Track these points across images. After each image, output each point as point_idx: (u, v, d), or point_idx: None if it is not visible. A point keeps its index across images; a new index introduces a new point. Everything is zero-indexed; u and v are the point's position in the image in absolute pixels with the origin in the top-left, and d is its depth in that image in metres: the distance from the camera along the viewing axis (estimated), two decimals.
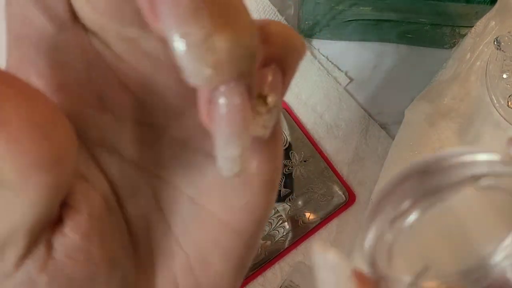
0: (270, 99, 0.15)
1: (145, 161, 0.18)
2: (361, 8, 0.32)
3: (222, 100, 0.13)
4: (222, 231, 0.18)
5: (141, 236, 0.18)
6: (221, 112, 0.13)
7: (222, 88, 0.13)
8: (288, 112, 0.38)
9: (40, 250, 0.15)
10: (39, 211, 0.14)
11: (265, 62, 0.15)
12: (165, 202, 0.19)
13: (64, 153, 0.13)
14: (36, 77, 0.15)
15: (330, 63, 0.39)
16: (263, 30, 0.15)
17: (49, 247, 0.15)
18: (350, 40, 0.39)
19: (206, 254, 0.18)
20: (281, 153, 0.18)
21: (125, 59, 0.16)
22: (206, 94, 0.13)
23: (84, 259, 0.16)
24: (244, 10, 0.13)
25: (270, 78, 0.15)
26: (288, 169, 0.37)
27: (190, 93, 0.16)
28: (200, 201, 0.18)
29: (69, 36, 0.15)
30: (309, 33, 0.38)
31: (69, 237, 0.15)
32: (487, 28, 0.38)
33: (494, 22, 0.38)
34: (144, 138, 0.18)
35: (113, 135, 0.17)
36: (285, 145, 0.37)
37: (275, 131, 0.17)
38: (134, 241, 0.18)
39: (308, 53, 0.38)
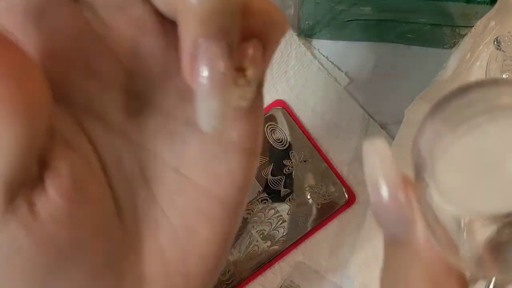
0: (249, 72, 0.15)
1: (130, 130, 0.18)
2: (361, 8, 0.32)
3: (203, 52, 0.14)
4: (206, 200, 0.18)
5: (126, 205, 0.18)
6: (203, 64, 0.14)
7: (204, 42, 0.14)
8: (288, 112, 0.38)
9: (22, 209, 0.15)
10: (14, 160, 0.14)
11: (246, 37, 0.15)
12: (150, 172, 0.19)
13: (38, 102, 0.14)
14: (23, 40, 0.15)
15: (330, 63, 0.39)
16: (245, 3, 0.15)
17: (32, 208, 0.15)
18: (350, 40, 0.39)
19: (191, 223, 0.19)
20: (261, 124, 0.19)
21: (112, 26, 0.16)
22: (189, 49, 0.14)
23: (68, 222, 0.15)
24: None
25: (250, 52, 0.15)
26: (288, 169, 0.37)
27: (175, 62, 0.16)
28: (184, 170, 0.19)
29: (59, 3, 0.15)
30: (309, 33, 0.38)
31: (50, 197, 0.15)
32: (487, 28, 0.38)
33: (494, 22, 0.38)
34: (130, 106, 0.18)
35: (99, 103, 0.17)
36: (285, 145, 0.37)
37: (256, 104, 0.18)
38: (119, 210, 0.18)
39: (308, 53, 0.38)
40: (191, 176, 0.19)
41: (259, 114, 0.19)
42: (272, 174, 0.37)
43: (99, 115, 0.18)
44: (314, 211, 0.37)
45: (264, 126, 0.37)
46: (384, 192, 0.17)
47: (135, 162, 0.19)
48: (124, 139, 0.18)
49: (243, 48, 0.15)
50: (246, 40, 0.15)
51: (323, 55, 0.39)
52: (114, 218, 0.18)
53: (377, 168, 0.18)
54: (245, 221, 0.37)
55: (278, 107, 0.38)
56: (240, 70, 0.15)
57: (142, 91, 0.18)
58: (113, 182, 0.18)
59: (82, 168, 0.16)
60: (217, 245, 0.19)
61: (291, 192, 0.37)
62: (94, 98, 0.17)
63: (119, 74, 0.17)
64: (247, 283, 0.36)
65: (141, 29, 0.16)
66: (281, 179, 0.37)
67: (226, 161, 0.18)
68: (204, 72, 0.14)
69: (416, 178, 0.17)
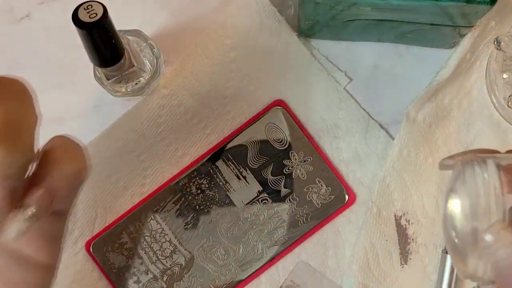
0: (28, 211, 0.20)
1: None
2: (361, 8, 0.32)
3: None
4: None
5: None
6: None
7: None
8: (288, 112, 0.38)
9: None
10: None
11: (37, 181, 0.20)
12: None
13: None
14: None
15: (330, 63, 0.39)
16: (45, 155, 0.21)
17: None
18: (350, 40, 0.39)
19: None
20: (58, 246, 0.24)
21: None
22: None
23: None
24: (27, 134, 0.19)
25: (33, 194, 0.20)
26: (288, 169, 0.37)
27: None
28: None
29: None
30: (309, 33, 0.38)
31: None
32: (487, 28, 0.38)
33: (494, 22, 0.38)
34: None
35: None
36: (285, 145, 0.37)
37: (54, 230, 0.24)
38: None
39: (308, 53, 0.38)
40: None
41: (57, 239, 0.24)
42: (272, 174, 0.37)
43: None
44: (314, 211, 0.37)
45: (264, 126, 0.37)
46: None
47: None
48: None
49: (30, 191, 0.20)
50: (36, 184, 0.20)
51: (323, 55, 0.39)
52: None
53: None
54: (245, 221, 0.37)
55: (278, 107, 0.38)
56: (21, 206, 0.20)
57: None
58: None
59: None
60: None
61: (291, 192, 0.37)
62: None
63: None
64: (247, 283, 0.36)
65: None
66: (281, 179, 0.37)
67: (20, 272, 0.22)
68: None
69: None
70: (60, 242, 0.24)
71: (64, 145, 0.22)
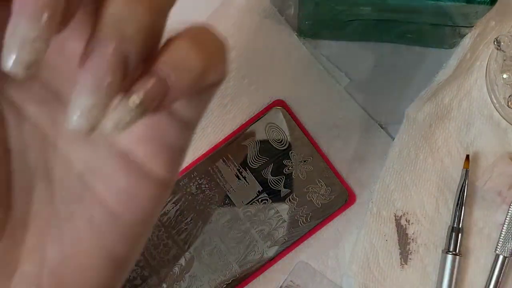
0: (132, 99, 0.15)
1: (43, 124, 0.19)
2: (361, 8, 0.32)
3: (95, 50, 0.14)
4: (99, 211, 0.18)
5: (19, 195, 0.19)
6: (91, 59, 0.14)
7: (106, 41, 0.14)
8: (288, 112, 0.38)
9: None
10: None
11: (155, 67, 0.15)
12: (54, 171, 0.19)
13: None
14: None
15: (330, 63, 0.39)
16: (171, 41, 0.16)
17: None
18: (350, 40, 0.39)
19: (78, 231, 0.18)
20: (177, 162, 0.19)
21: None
22: (90, 44, 0.14)
23: None
24: None
25: (144, 84, 0.15)
26: (288, 169, 0.37)
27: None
28: (87, 178, 0.19)
29: None
30: (309, 33, 0.38)
31: None
32: (487, 28, 0.38)
33: (494, 22, 0.38)
34: (46, 101, 0.18)
35: (16, 89, 0.18)
36: (285, 145, 0.37)
37: (174, 139, 0.19)
38: (11, 199, 0.18)
39: (308, 53, 0.38)
40: (91, 185, 0.19)
41: (176, 150, 0.19)
42: (272, 174, 0.37)
43: (13, 101, 0.18)
44: (314, 211, 0.37)
45: (264, 126, 0.37)
46: None
47: (41, 156, 0.19)
48: (35, 131, 0.19)
49: (141, 79, 0.15)
50: (152, 71, 0.15)
51: (323, 55, 0.39)
52: (2, 201, 0.18)
53: None
54: (245, 221, 0.37)
55: (278, 107, 0.38)
56: (128, 93, 0.15)
57: (62, 90, 0.18)
58: (12, 164, 0.18)
59: None
60: (101, 261, 0.19)
61: (291, 192, 0.37)
62: (11, 84, 0.18)
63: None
64: (247, 283, 0.36)
65: (69, 30, 0.16)
66: (281, 179, 0.37)
67: (127, 178, 0.18)
68: (87, 67, 0.14)
69: None
70: (181, 157, 0.19)
71: (197, 34, 0.17)
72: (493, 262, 0.35)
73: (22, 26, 0.13)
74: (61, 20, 0.14)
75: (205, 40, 0.17)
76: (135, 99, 0.15)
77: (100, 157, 0.18)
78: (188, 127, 0.19)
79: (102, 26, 0.14)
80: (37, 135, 0.19)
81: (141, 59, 0.15)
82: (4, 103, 0.18)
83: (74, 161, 0.19)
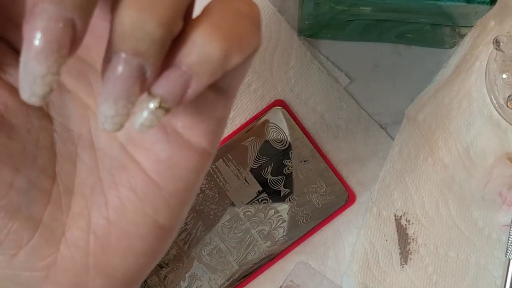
0: (152, 103, 0.15)
1: (82, 93, 0.19)
2: (361, 8, 0.32)
3: (112, 63, 0.15)
4: (142, 179, 0.19)
5: (64, 159, 0.19)
6: (107, 73, 0.15)
7: (121, 55, 0.14)
8: (288, 112, 0.38)
9: None
10: None
11: (174, 61, 0.15)
12: (98, 140, 0.20)
13: None
14: None
15: (330, 63, 0.39)
16: (194, 22, 0.16)
17: None
18: (350, 40, 0.39)
19: (122, 199, 0.19)
20: (217, 129, 0.19)
21: None
22: (108, 54, 0.15)
23: None
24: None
25: (164, 82, 0.15)
26: (288, 169, 0.37)
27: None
28: (129, 148, 0.19)
29: None
30: (309, 33, 0.38)
31: None
32: (487, 28, 0.38)
33: (494, 22, 0.38)
34: (83, 72, 0.19)
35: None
36: (285, 145, 0.37)
37: (215, 109, 0.19)
38: (55, 167, 0.19)
39: (308, 53, 0.38)
40: (134, 154, 0.19)
41: (215, 120, 0.19)
42: (272, 174, 0.37)
43: None
44: (314, 211, 0.37)
45: (264, 126, 0.37)
46: None
47: (84, 126, 0.20)
48: (77, 102, 0.19)
49: (163, 75, 0.15)
50: (173, 65, 0.15)
51: (323, 55, 0.39)
52: (47, 170, 0.19)
53: None
54: (245, 221, 0.37)
55: (278, 107, 0.38)
56: (150, 93, 0.16)
57: (96, 64, 0.19)
58: (56, 134, 0.19)
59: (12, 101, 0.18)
60: (144, 228, 0.19)
61: (291, 192, 0.37)
62: None
63: None
64: (247, 283, 0.36)
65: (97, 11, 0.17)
66: (281, 179, 0.37)
67: (167, 148, 0.19)
68: (107, 80, 0.15)
69: None
70: (220, 127, 0.19)
71: (218, 13, 0.16)
72: (506, 267, 0.35)
73: (32, 65, 0.14)
74: (70, 50, 0.14)
75: (227, 18, 0.16)
76: (154, 102, 0.15)
77: None
78: (225, 96, 0.19)
79: (115, 39, 0.14)
80: (78, 105, 0.19)
81: (159, 64, 0.15)
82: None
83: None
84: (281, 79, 0.38)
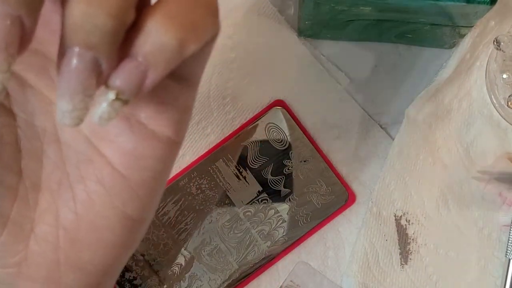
0: (109, 95, 0.15)
1: (45, 89, 0.19)
2: (361, 8, 0.32)
3: (66, 57, 0.15)
4: (108, 172, 0.19)
5: (29, 156, 0.19)
6: (62, 68, 0.15)
7: (74, 49, 0.14)
8: (288, 112, 0.38)
9: None
10: None
11: (130, 52, 0.15)
12: (63, 134, 0.20)
13: None
14: None
15: (330, 63, 0.39)
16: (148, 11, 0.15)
17: None
18: (350, 40, 0.39)
19: (90, 192, 0.19)
20: (182, 118, 0.19)
21: None
22: (61, 49, 0.15)
23: None
24: None
25: (119, 74, 0.15)
26: (288, 169, 0.37)
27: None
28: (94, 141, 0.19)
29: None
30: (309, 33, 0.38)
31: None
32: (487, 28, 0.38)
33: (493, 22, 0.38)
34: (46, 69, 0.19)
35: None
36: (285, 145, 0.37)
37: (177, 98, 0.18)
38: (20, 163, 0.19)
39: (308, 53, 0.38)
40: (99, 147, 0.19)
41: (179, 109, 0.19)
42: (272, 174, 0.37)
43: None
44: (314, 211, 0.37)
45: (264, 126, 0.37)
46: None
47: (49, 119, 0.19)
48: (39, 97, 0.19)
49: (119, 66, 0.15)
50: (130, 55, 0.15)
51: (323, 55, 0.39)
52: (6, 155, 0.19)
53: None
54: (245, 221, 0.37)
55: (278, 107, 0.38)
56: (106, 85, 0.16)
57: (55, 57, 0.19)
58: (20, 130, 0.19)
59: None
60: (114, 221, 0.19)
61: (291, 192, 0.37)
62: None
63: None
64: (247, 283, 0.36)
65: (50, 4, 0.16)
66: (281, 179, 0.37)
67: (132, 139, 0.19)
68: (62, 75, 0.15)
69: None
70: (186, 116, 0.19)
71: (171, 2, 0.16)
72: (506, 267, 0.35)
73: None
74: (19, 47, 0.14)
75: (182, 7, 0.16)
76: (111, 95, 0.15)
77: None
78: (187, 84, 0.19)
79: (67, 33, 0.14)
80: (41, 100, 0.19)
81: (114, 56, 0.15)
82: None
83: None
84: (281, 79, 0.38)
